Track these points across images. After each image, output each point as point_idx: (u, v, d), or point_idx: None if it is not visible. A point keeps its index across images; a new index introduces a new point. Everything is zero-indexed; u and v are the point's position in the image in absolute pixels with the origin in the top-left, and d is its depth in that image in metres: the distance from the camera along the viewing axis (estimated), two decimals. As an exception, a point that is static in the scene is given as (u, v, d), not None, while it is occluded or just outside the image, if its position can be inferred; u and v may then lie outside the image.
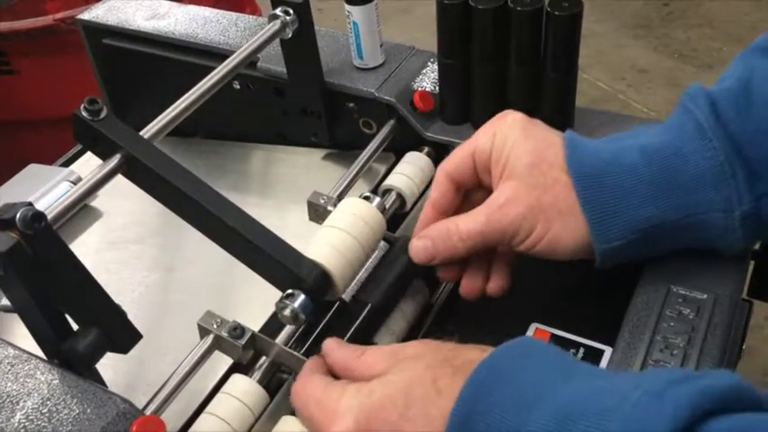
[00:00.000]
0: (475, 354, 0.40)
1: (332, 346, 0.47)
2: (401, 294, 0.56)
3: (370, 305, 0.53)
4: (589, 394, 0.35)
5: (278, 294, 0.50)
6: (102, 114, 0.50)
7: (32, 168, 0.78)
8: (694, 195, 0.46)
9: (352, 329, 0.52)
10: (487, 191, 0.52)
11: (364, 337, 0.52)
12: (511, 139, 0.50)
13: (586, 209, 0.47)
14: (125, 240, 0.72)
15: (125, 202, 0.73)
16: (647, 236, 0.47)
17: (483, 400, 0.37)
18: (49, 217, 0.45)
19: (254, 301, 0.61)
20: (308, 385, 0.45)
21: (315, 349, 0.53)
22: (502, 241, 0.50)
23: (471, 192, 0.55)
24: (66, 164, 0.80)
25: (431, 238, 0.52)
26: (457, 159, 0.53)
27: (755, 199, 0.45)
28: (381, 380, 0.41)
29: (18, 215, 0.42)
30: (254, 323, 0.53)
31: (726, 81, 0.48)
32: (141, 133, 0.53)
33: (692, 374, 0.34)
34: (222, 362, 0.52)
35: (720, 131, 0.46)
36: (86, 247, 0.71)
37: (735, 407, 0.32)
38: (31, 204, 0.43)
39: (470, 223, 0.50)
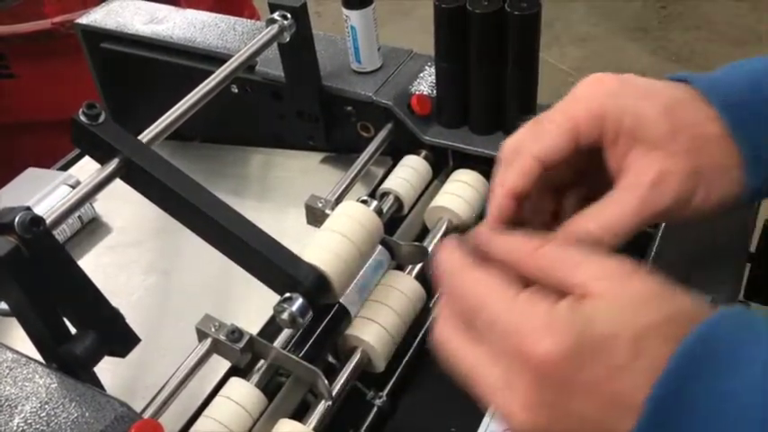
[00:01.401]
0: (699, 312, 0.32)
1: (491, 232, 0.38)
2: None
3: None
4: None
5: (276, 298, 0.50)
6: (101, 119, 0.50)
7: (31, 172, 0.78)
8: None
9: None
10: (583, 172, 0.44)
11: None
12: (630, 110, 0.41)
13: (743, 144, 0.41)
14: (123, 244, 0.72)
15: (123, 206, 0.73)
16: None
17: (699, 378, 0.30)
18: (48, 221, 0.45)
19: (251, 304, 0.61)
20: (490, 280, 0.35)
21: (313, 352, 0.53)
22: (654, 221, 0.42)
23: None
24: (65, 167, 0.81)
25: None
26: (552, 143, 0.42)
27: None
28: (611, 307, 0.32)
29: (17, 219, 0.42)
30: (252, 326, 0.53)
31: None
32: (140, 137, 0.53)
33: None
34: (220, 365, 0.52)
35: None
36: (84, 251, 0.71)
37: None
38: (29, 208, 0.43)
39: (619, 215, 0.40)
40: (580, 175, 0.45)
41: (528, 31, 0.59)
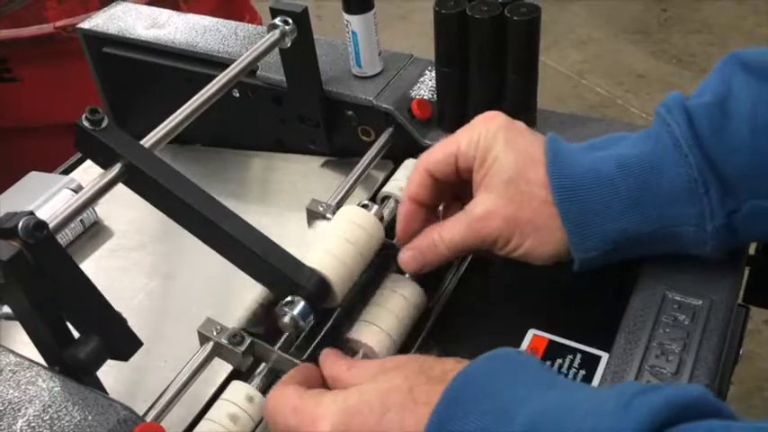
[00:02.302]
0: (451, 365, 0.41)
1: (329, 354, 0.49)
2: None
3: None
4: (563, 400, 0.36)
5: (277, 301, 0.50)
6: (104, 124, 0.50)
7: (33, 176, 0.78)
8: (668, 209, 0.47)
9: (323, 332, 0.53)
10: (467, 185, 0.54)
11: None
12: (494, 150, 0.51)
13: (565, 221, 0.49)
14: (124, 248, 0.72)
15: (124, 210, 0.74)
16: (622, 246, 0.49)
17: (460, 408, 0.38)
18: (51, 226, 0.45)
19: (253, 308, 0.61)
20: (285, 394, 0.45)
21: (315, 356, 0.54)
22: (482, 247, 0.53)
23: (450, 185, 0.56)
24: (67, 171, 0.81)
25: (419, 249, 0.54)
26: (439, 157, 0.54)
27: (727, 215, 0.47)
28: (359, 388, 0.42)
29: (20, 224, 0.42)
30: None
31: (704, 95, 0.48)
32: (142, 142, 0.53)
33: (661, 386, 0.36)
34: (222, 368, 0.53)
35: (696, 147, 0.46)
36: (86, 255, 0.71)
37: (699, 417, 0.33)
38: (32, 213, 0.43)
39: (453, 233, 0.53)
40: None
41: (527, 37, 0.59)
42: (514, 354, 0.42)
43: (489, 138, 0.52)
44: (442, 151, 0.54)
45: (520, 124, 0.54)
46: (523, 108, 0.63)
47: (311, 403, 0.43)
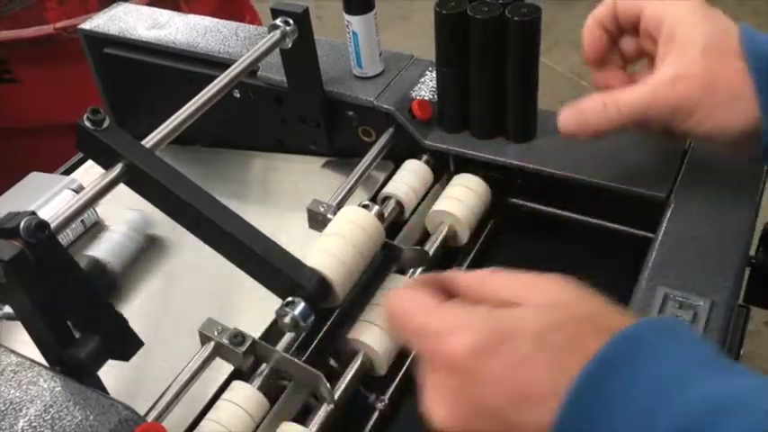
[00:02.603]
0: (619, 319, 0.35)
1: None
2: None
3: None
4: (744, 387, 0.31)
5: (277, 301, 0.50)
6: (105, 124, 0.50)
7: (34, 176, 0.78)
8: None
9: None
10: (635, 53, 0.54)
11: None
12: (688, 20, 0.49)
13: (762, 93, 0.47)
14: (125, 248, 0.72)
15: (125, 210, 0.73)
16: None
17: (617, 370, 0.33)
18: (52, 226, 0.45)
19: (253, 308, 0.61)
20: (424, 293, 0.38)
21: (315, 356, 0.54)
22: (663, 118, 0.50)
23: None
24: (68, 172, 0.81)
25: (582, 108, 0.51)
26: (614, 7, 0.53)
27: None
28: (518, 310, 0.36)
29: (22, 224, 0.42)
30: (255, 330, 0.53)
31: None
32: (143, 143, 0.53)
33: None
34: (223, 369, 0.53)
35: None
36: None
37: None
38: (34, 213, 0.43)
39: (632, 96, 0.49)
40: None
41: (528, 37, 0.59)
42: (683, 325, 0.37)
43: (682, 11, 0.50)
44: (621, 2, 0.53)
45: (713, 8, 0.51)
46: (523, 109, 0.63)
47: (460, 309, 0.37)
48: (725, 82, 0.48)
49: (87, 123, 0.50)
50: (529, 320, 0.35)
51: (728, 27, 0.50)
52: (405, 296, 0.39)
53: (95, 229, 0.73)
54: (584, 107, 0.51)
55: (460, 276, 0.40)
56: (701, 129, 0.49)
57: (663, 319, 0.38)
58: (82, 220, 0.72)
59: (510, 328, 0.35)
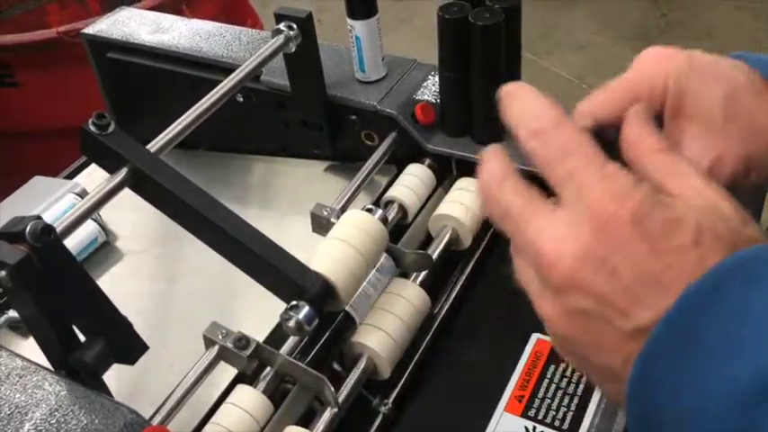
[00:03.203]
0: (751, 235, 0.33)
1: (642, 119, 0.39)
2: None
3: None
4: None
5: (281, 305, 0.51)
6: (110, 129, 0.51)
7: (37, 180, 0.78)
8: None
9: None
10: None
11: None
12: (693, 89, 0.43)
13: None
14: (129, 252, 0.72)
15: (128, 214, 0.74)
16: None
17: (755, 277, 0.31)
18: (58, 230, 0.45)
19: (257, 311, 0.61)
20: (588, 139, 0.35)
21: (319, 360, 0.54)
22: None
23: None
24: (71, 176, 0.81)
25: None
26: (612, 103, 0.44)
27: None
28: (683, 202, 0.33)
29: (28, 228, 0.42)
30: (258, 334, 0.53)
31: None
32: (148, 147, 0.54)
33: None
34: (226, 372, 0.53)
35: None
36: (91, 260, 0.71)
37: None
38: (39, 218, 0.43)
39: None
40: None
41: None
42: None
43: (677, 79, 0.44)
44: (613, 97, 0.44)
45: (698, 52, 0.45)
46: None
47: (625, 175, 0.33)
48: (761, 143, 0.43)
49: (92, 128, 0.50)
50: (693, 216, 0.33)
51: (736, 77, 0.44)
52: (572, 133, 0.35)
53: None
54: None
55: (632, 131, 0.37)
56: (758, 183, 0.45)
57: None
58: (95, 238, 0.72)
59: (673, 214, 0.33)
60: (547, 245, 0.33)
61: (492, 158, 0.37)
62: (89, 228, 0.71)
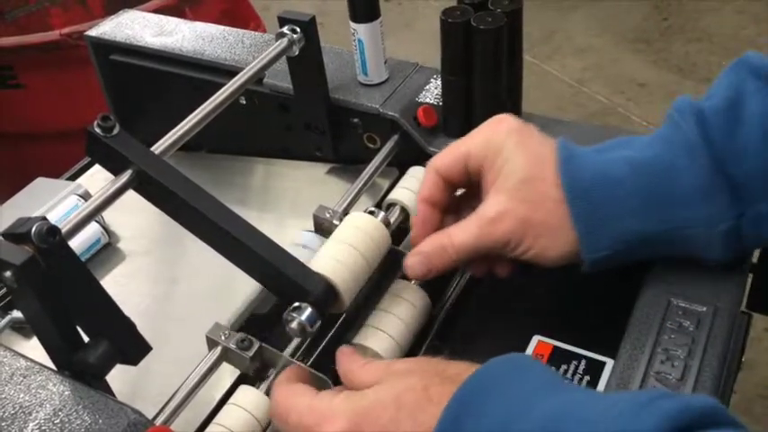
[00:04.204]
0: (464, 367, 0.42)
1: (344, 352, 0.49)
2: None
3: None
4: (575, 403, 0.37)
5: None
6: (115, 131, 0.51)
7: (40, 182, 0.79)
8: (680, 210, 0.48)
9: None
10: (476, 187, 0.54)
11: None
12: (506, 151, 0.51)
13: (577, 222, 0.49)
14: (131, 253, 0.73)
15: (131, 216, 0.74)
16: (633, 246, 0.49)
17: (472, 408, 0.38)
18: (63, 231, 0.46)
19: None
20: (296, 391, 0.46)
21: (321, 361, 0.54)
22: (493, 251, 0.52)
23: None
24: (73, 177, 0.81)
25: (425, 253, 0.53)
26: (448, 160, 0.54)
27: (736, 217, 0.47)
28: (374, 388, 0.43)
29: (33, 229, 0.42)
30: (261, 335, 0.53)
31: (714, 98, 0.49)
32: (152, 149, 0.54)
33: (674, 393, 0.37)
34: (228, 373, 0.53)
35: (707, 149, 0.47)
36: (93, 261, 0.71)
37: (714, 426, 0.33)
38: (45, 219, 0.44)
39: (463, 236, 0.52)
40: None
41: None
42: (525, 358, 0.42)
43: (499, 140, 0.52)
44: (452, 153, 0.54)
45: (530, 126, 0.53)
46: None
47: (326, 402, 0.44)
48: (543, 215, 0.50)
49: (97, 130, 0.50)
50: (383, 391, 0.42)
51: (545, 152, 0.51)
52: (281, 393, 0.46)
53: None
54: (427, 252, 0.53)
55: (341, 366, 0.48)
56: (527, 256, 0.51)
57: (508, 355, 0.42)
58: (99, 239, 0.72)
59: (370, 403, 0.42)
60: (320, 420, 0.43)
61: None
62: (91, 229, 0.71)
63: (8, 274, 0.42)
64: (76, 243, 0.67)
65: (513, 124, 0.53)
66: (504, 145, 0.52)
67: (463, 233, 0.52)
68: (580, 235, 0.49)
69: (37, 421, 0.44)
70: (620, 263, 0.51)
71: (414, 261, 0.54)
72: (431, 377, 0.42)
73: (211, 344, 0.51)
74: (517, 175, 0.51)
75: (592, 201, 0.49)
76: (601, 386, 0.52)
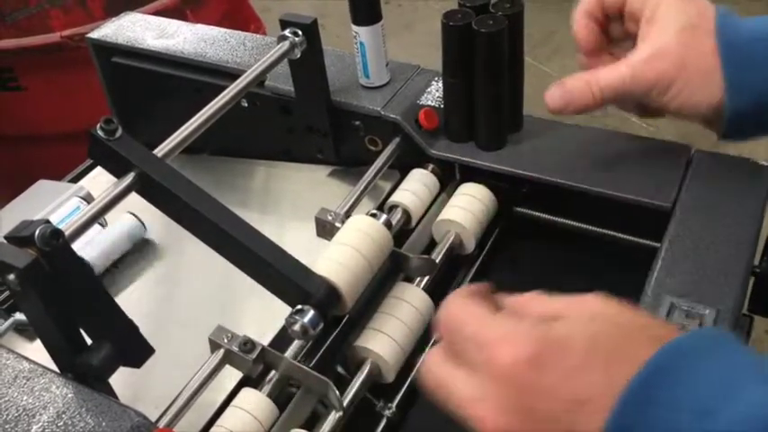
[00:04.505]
0: (670, 329, 0.37)
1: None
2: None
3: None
4: None
5: (286, 308, 0.51)
6: (118, 134, 0.51)
7: (42, 184, 0.79)
8: None
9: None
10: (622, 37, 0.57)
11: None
12: (668, 1, 0.53)
13: (726, 66, 0.51)
14: (133, 255, 0.73)
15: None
16: None
17: (669, 377, 0.33)
18: (66, 234, 0.46)
19: (262, 315, 0.62)
20: (479, 304, 0.39)
21: (323, 363, 0.54)
22: (641, 94, 0.54)
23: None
24: (75, 180, 0.81)
25: (568, 87, 0.55)
26: None
27: None
28: (565, 321, 0.37)
29: (37, 232, 0.43)
30: (263, 337, 0.54)
31: None
32: (155, 152, 0.54)
33: None
34: (231, 376, 0.53)
35: None
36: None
37: None
38: (48, 222, 0.44)
39: (611, 77, 0.54)
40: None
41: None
42: (731, 335, 0.37)
43: None
44: None
45: None
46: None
47: (511, 323, 0.37)
48: (697, 60, 0.52)
49: (100, 132, 0.51)
50: (578, 329, 0.36)
51: (706, 8, 0.53)
52: (457, 304, 0.40)
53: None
54: (569, 86, 0.55)
55: (506, 299, 0.41)
56: (673, 104, 0.53)
57: (708, 328, 0.40)
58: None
59: (561, 337, 0.36)
60: (470, 409, 0.37)
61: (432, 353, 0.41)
62: (131, 222, 0.72)
63: (11, 277, 0.42)
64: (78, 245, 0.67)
65: None
66: None
67: (612, 73, 0.54)
68: (727, 81, 0.51)
69: (40, 424, 0.44)
70: (755, 125, 0.53)
71: (554, 91, 0.55)
72: (632, 331, 0.36)
73: (214, 346, 0.51)
74: (677, 23, 0.52)
75: (743, 51, 0.51)
76: (603, 388, 0.52)
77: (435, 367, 0.40)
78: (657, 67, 0.52)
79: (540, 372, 0.35)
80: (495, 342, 0.37)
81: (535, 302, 0.40)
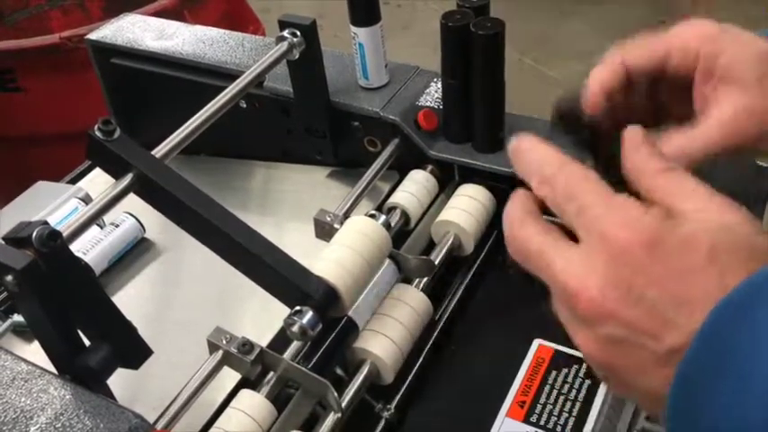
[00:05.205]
0: None
1: (633, 138, 0.39)
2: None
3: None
4: None
5: (284, 310, 0.51)
6: (116, 134, 0.51)
7: (41, 185, 0.79)
8: None
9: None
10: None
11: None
12: (727, 51, 0.47)
13: None
14: (133, 256, 0.72)
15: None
16: None
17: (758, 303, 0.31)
18: (64, 235, 0.46)
19: (260, 316, 0.62)
20: (596, 177, 0.36)
21: (322, 364, 0.54)
22: (738, 147, 0.48)
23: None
24: (74, 181, 0.81)
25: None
26: (642, 52, 0.49)
27: None
28: (693, 216, 0.34)
29: (34, 234, 0.43)
30: (262, 339, 0.54)
31: None
32: (153, 152, 0.54)
33: None
34: (230, 377, 0.53)
35: None
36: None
37: None
38: (46, 223, 0.44)
39: (703, 139, 0.47)
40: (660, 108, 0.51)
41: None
42: None
43: (711, 42, 0.47)
44: (648, 48, 0.49)
45: (729, 24, 0.49)
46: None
47: (637, 206, 0.34)
48: None
49: (98, 133, 0.51)
50: (703, 226, 0.34)
51: (765, 46, 0.48)
52: (576, 169, 0.36)
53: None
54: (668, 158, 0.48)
55: (632, 153, 0.38)
56: None
57: None
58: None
59: (687, 234, 0.33)
60: (570, 280, 0.34)
61: (514, 200, 0.38)
62: (129, 223, 0.72)
63: (9, 278, 0.42)
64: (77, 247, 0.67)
65: (713, 26, 0.48)
66: (720, 48, 0.47)
67: (705, 136, 0.47)
68: None
69: (38, 425, 0.44)
70: None
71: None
72: (759, 253, 0.33)
73: (212, 347, 0.51)
74: (753, 72, 0.46)
75: None
76: (601, 391, 0.52)
77: (523, 231, 0.37)
78: (755, 117, 0.46)
79: (658, 258, 0.33)
80: (615, 221, 0.34)
81: (675, 191, 0.36)
